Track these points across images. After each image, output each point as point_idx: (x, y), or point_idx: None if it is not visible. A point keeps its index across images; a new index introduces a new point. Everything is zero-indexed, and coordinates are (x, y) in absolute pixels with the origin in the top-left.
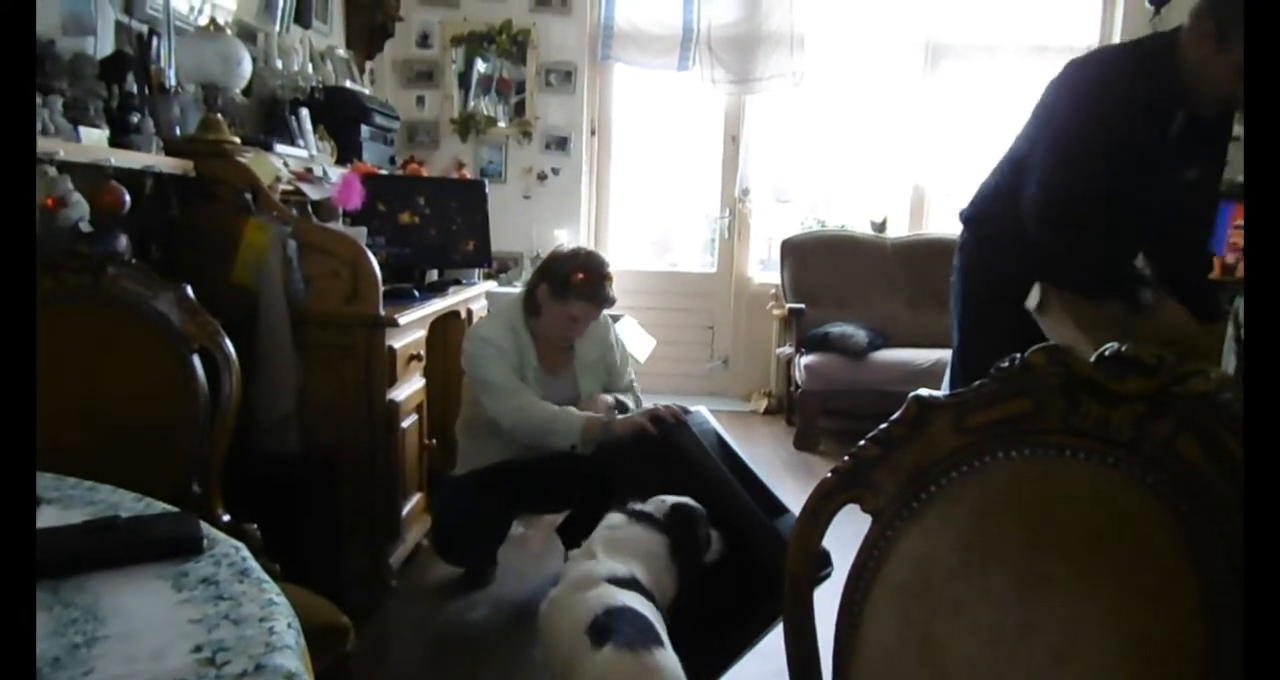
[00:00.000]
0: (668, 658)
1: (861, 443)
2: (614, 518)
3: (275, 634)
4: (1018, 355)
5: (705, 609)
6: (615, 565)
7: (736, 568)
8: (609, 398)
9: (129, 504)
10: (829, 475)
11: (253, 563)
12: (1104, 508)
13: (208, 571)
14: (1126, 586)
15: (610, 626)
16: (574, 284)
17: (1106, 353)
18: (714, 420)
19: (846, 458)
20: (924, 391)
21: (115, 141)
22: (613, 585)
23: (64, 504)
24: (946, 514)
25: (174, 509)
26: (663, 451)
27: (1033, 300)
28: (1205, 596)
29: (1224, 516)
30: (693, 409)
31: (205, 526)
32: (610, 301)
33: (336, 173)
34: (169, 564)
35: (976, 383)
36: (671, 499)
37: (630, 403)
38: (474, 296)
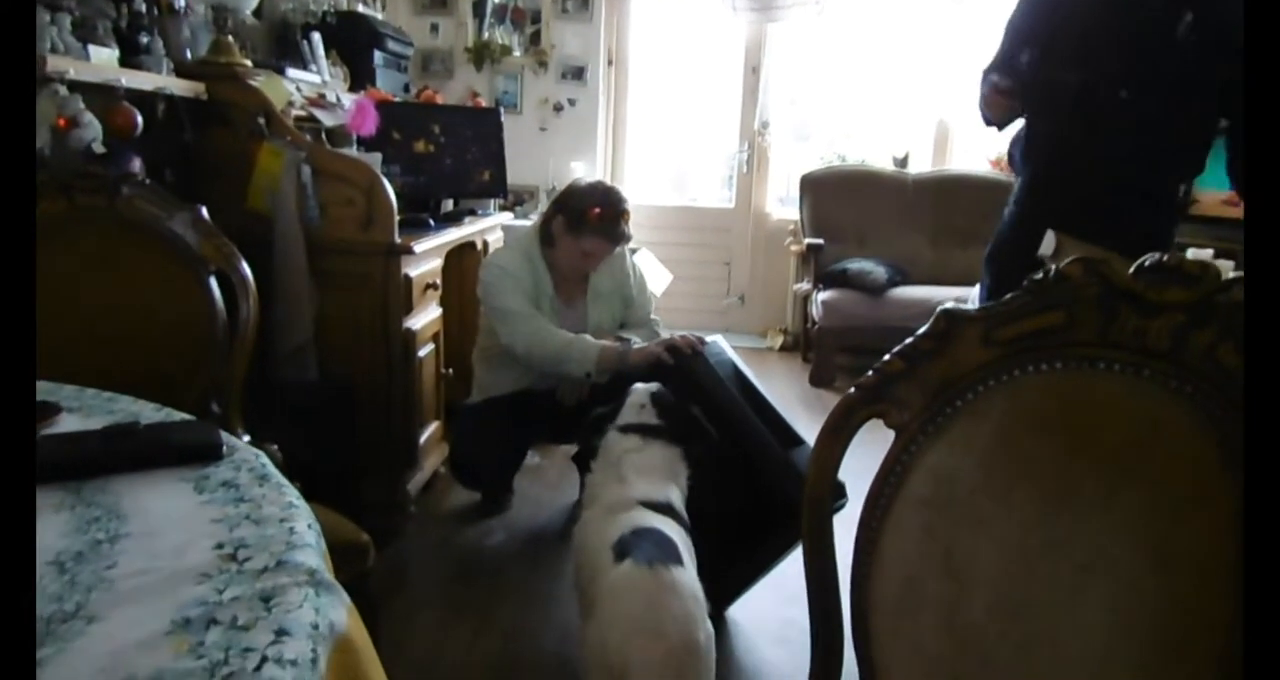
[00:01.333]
0: (684, 575)
1: (886, 357)
2: (627, 440)
3: (296, 533)
4: (1052, 267)
5: (721, 538)
6: (649, 489)
7: (752, 497)
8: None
9: (148, 414)
10: (852, 390)
11: (272, 469)
12: (1137, 419)
13: (228, 475)
14: (1158, 498)
15: (633, 544)
16: (590, 219)
17: (1146, 263)
18: (731, 350)
19: (871, 372)
20: (952, 304)
21: (125, 62)
22: (647, 509)
23: (85, 412)
24: (972, 428)
25: (193, 418)
26: (678, 382)
27: (1047, 246)
28: (1239, 510)
29: None
30: (709, 339)
31: (224, 434)
32: (625, 239)
33: (349, 99)
34: (189, 468)
35: (1008, 295)
36: (642, 393)
37: (638, 341)
38: (490, 227)
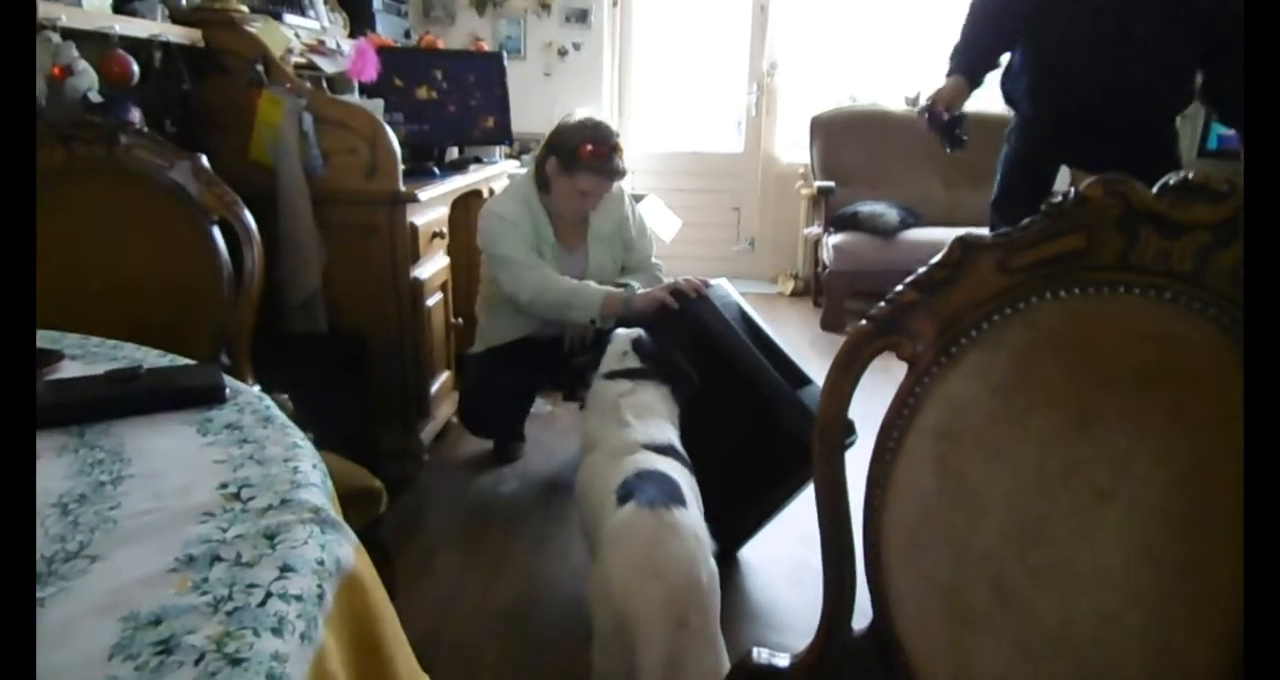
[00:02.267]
0: (687, 516)
1: (899, 287)
2: (618, 385)
3: (300, 473)
4: (1071, 189)
5: (731, 478)
6: (651, 432)
7: (761, 436)
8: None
9: (152, 359)
10: (864, 322)
11: (276, 411)
12: (1159, 343)
13: (231, 418)
14: (1180, 421)
15: (636, 487)
16: (581, 157)
17: (1171, 181)
18: (735, 293)
19: (883, 303)
20: (967, 231)
21: (119, 9)
22: (652, 451)
23: (88, 359)
24: (988, 358)
25: (195, 363)
26: (684, 326)
27: (1063, 184)
28: None
29: None
30: (714, 282)
31: (228, 377)
32: (621, 174)
33: (349, 45)
34: (193, 411)
35: (1026, 220)
36: (623, 340)
37: (639, 287)
38: (495, 175)
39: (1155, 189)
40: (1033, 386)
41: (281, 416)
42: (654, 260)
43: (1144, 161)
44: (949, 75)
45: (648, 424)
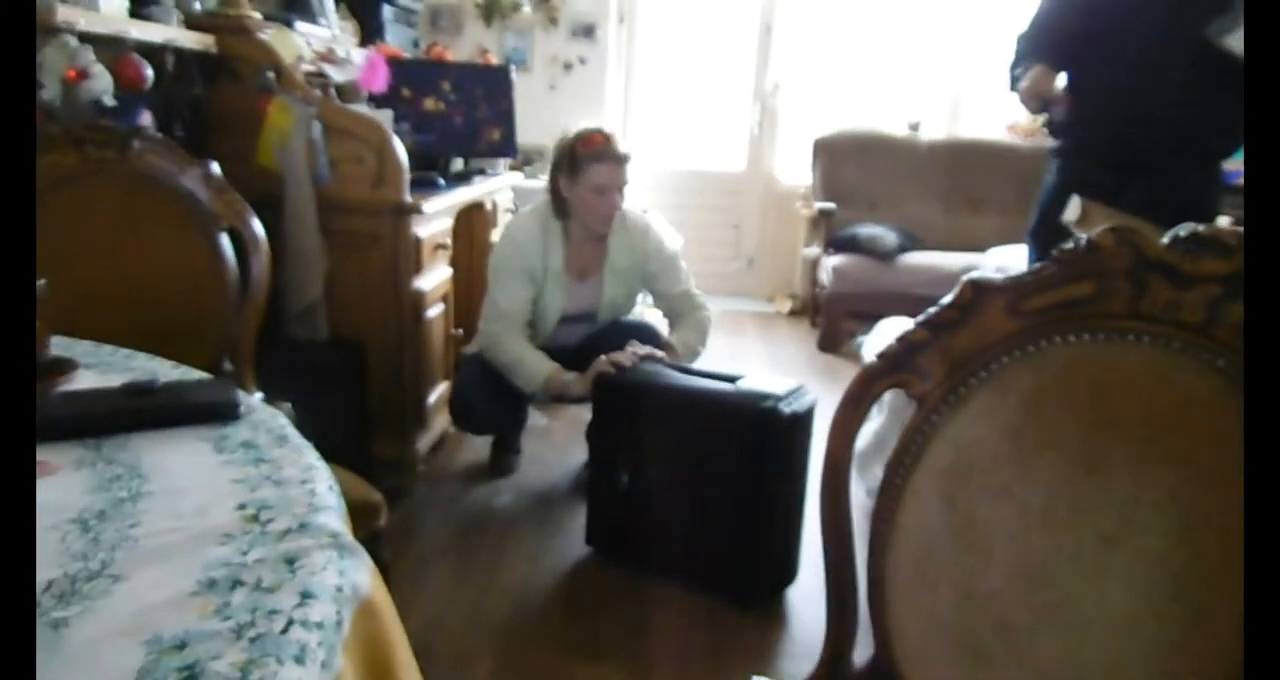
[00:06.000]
0: None
1: (911, 326)
2: None
3: (317, 496)
4: (1083, 236)
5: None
6: None
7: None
8: (639, 349)
9: (165, 371)
10: (875, 359)
11: (291, 429)
12: (1167, 392)
13: (247, 435)
14: (1186, 471)
15: None
16: (581, 154)
17: (1181, 233)
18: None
19: (895, 341)
20: (978, 273)
21: (134, 14)
22: None
23: (101, 369)
24: (997, 399)
25: (210, 376)
26: (617, 399)
27: (1072, 213)
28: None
29: None
30: (639, 352)
31: (242, 394)
32: (626, 157)
33: (359, 55)
34: (208, 427)
35: (1037, 264)
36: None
37: (673, 338)
38: (499, 188)
39: (1166, 239)
40: (1041, 430)
41: (296, 435)
42: (690, 291)
43: (1178, 207)
44: (1025, 71)
45: None
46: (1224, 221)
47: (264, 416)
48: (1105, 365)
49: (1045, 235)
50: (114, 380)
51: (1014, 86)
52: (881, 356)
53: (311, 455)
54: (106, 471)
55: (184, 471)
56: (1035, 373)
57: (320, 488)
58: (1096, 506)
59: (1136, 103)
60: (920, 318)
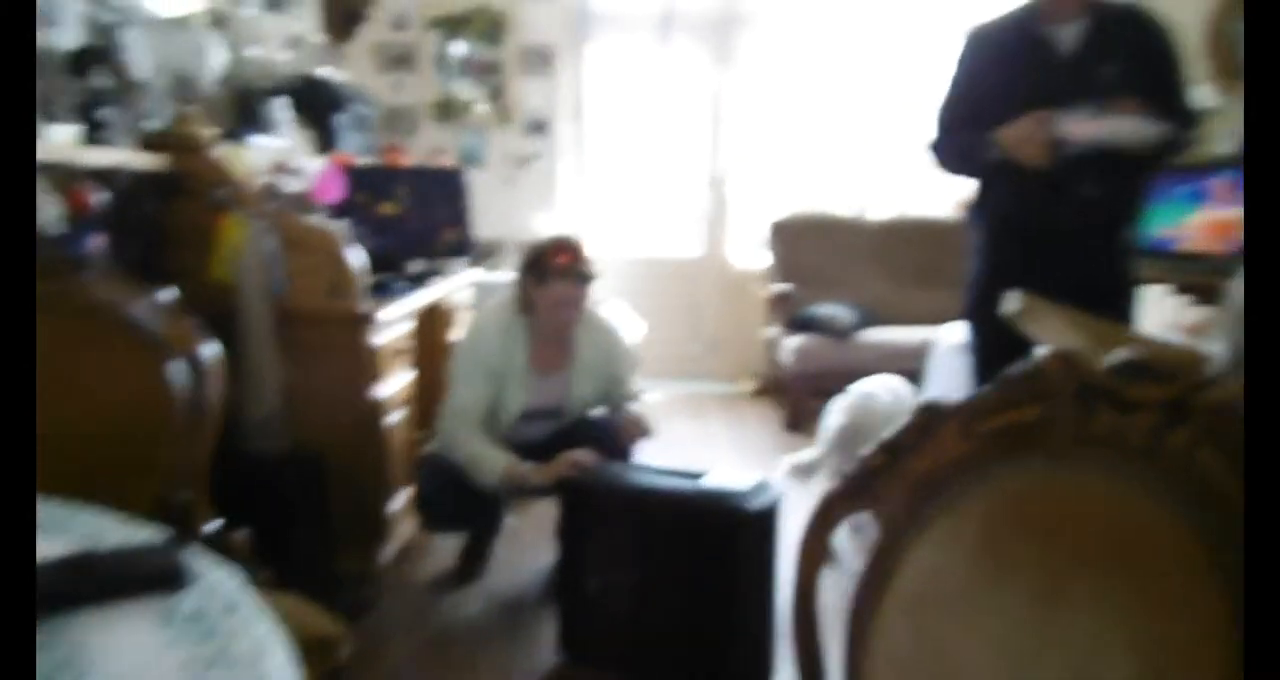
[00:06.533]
0: None
1: (870, 450)
2: None
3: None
4: (1029, 360)
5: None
6: None
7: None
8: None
9: (111, 529)
10: (836, 485)
11: (240, 596)
12: (1121, 520)
13: (196, 604)
14: (1148, 600)
15: None
16: (550, 267)
17: (1118, 360)
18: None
19: (856, 464)
20: (932, 398)
21: (86, 138)
22: None
23: (42, 530)
24: (957, 524)
25: (158, 536)
26: (578, 497)
27: (1011, 306)
28: (1230, 609)
29: None
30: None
31: (190, 554)
32: (590, 277)
33: (315, 164)
34: (155, 599)
35: (985, 387)
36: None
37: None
38: (459, 287)
39: (1105, 365)
40: (1001, 557)
41: (247, 601)
42: (636, 391)
43: (1092, 282)
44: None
45: None
46: (1149, 328)
47: (213, 582)
48: (1059, 490)
49: (976, 319)
50: (57, 544)
51: (941, 161)
52: (844, 481)
53: (263, 624)
54: (48, 659)
55: (129, 655)
56: (991, 497)
57: (273, 663)
58: (1062, 638)
59: (1047, 199)
60: (880, 441)
